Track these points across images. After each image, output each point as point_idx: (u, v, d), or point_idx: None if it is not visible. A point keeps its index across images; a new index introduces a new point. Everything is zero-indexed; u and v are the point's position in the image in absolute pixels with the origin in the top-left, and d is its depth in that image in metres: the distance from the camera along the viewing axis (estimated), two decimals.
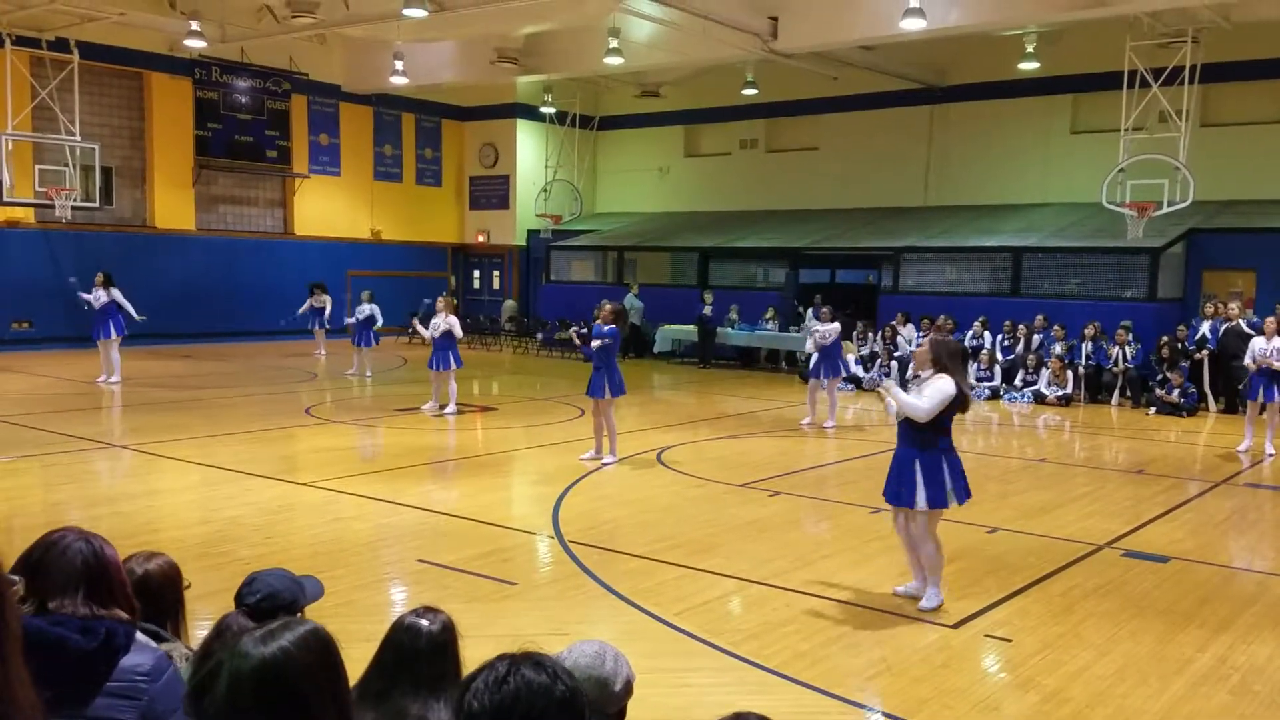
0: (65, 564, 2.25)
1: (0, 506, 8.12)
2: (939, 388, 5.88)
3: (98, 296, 15.72)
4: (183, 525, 7.71)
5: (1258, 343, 11.70)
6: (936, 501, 5.94)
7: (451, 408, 13.42)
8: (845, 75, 21.68)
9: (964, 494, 6.06)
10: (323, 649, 1.91)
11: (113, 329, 15.63)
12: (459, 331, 13.69)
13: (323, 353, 20.49)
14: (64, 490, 8.93)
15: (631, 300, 22.36)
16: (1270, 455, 11.66)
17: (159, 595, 2.95)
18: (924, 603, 6.04)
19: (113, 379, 15.49)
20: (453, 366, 13.35)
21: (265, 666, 1.83)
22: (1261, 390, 11.57)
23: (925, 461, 5.94)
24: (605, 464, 10.27)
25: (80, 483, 9.25)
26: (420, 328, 13.96)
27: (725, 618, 5.92)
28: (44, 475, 9.43)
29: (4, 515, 7.86)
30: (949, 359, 5.99)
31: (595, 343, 10.42)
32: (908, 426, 6.02)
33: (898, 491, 6.04)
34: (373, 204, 26.14)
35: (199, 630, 3.25)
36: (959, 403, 5.92)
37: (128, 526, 7.48)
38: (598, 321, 10.72)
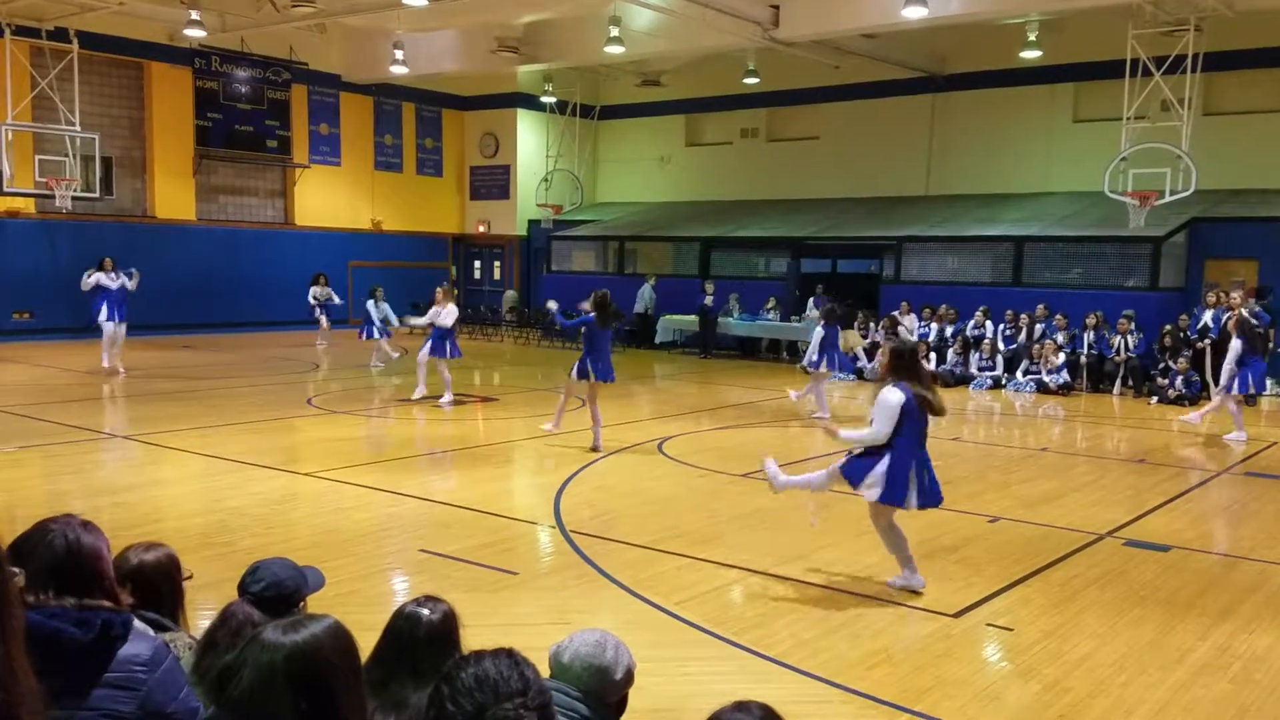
0: (40, 557, 2.25)
1: (2, 497, 8.13)
2: (886, 402, 5.90)
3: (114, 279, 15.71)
4: (185, 515, 7.72)
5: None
6: (890, 499, 5.96)
7: (448, 396, 13.41)
8: (847, 64, 21.60)
9: (929, 498, 6.03)
10: (347, 639, 2.02)
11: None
12: (448, 321, 13.61)
13: (324, 343, 20.47)
14: (66, 481, 8.93)
15: (647, 290, 22.31)
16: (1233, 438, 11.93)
17: (158, 585, 2.95)
18: (891, 579, 6.25)
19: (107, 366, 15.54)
20: (447, 356, 13.35)
21: (299, 653, 1.92)
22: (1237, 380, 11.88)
23: (892, 459, 5.93)
24: (547, 428, 10.70)
25: (82, 473, 9.26)
26: (414, 320, 14.00)
27: (726, 607, 5.93)
28: (46, 466, 9.44)
29: (6, 506, 7.86)
30: (906, 367, 5.96)
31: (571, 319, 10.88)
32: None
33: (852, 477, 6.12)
34: (373, 194, 26.11)
35: (202, 620, 3.25)
36: (918, 409, 5.89)
37: (130, 517, 7.50)
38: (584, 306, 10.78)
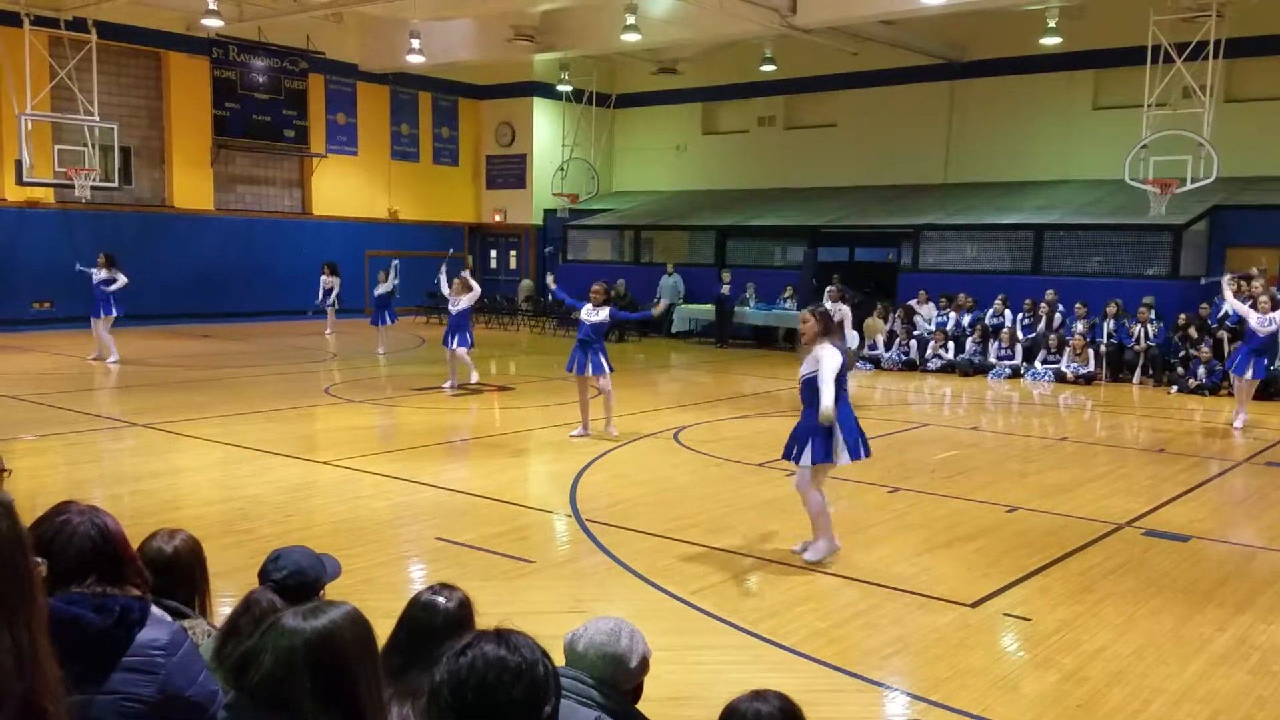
0: (75, 549, 2.26)
1: (24, 485, 8.19)
2: (831, 362, 6.26)
3: (99, 274, 15.79)
4: (204, 503, 7.77)
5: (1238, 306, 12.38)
6: (818, 456, 6.32)
7: (473, 377, 13.57)
8: (865, 51, 21.48)
9: (854, 451, 6.37)
10: (365, 625, 2.04)
11: (114, 308, 15.78)
12: (451, 291, 13.80)
13: (331, 332, 20.57)
14: (86, 469, 9.02)
15: (667, 282, 22.22)
16: (1236, 428, 11.89)
17: (182, 572, 2.97)
18: (807, 554, 6.45)
19: (111, 359, 15.58)
20: (468, 344, 13.52)
21: (318, 638, 1.94)
22: (1246, 364, 12.01)
23: (811, 419, 6.35)
24: (610, 431, 10.46)
25: (102, 461, 9.34)
26: (445, 281, 14.13)
27: (742, 596, 5.93)
28: (67, 454, 9.52)
29: (28, 494, 7.92)
30: (833, 329, 6.50)
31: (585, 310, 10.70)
32: (805, 393, 6.47)
33: (790, 448, 6.52)
34: (390, 183, 26.16)
35: (222, 608, 3.28)
36: (844, 365, 6.37)
37: (149, 504, 7.56)
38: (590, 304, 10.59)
